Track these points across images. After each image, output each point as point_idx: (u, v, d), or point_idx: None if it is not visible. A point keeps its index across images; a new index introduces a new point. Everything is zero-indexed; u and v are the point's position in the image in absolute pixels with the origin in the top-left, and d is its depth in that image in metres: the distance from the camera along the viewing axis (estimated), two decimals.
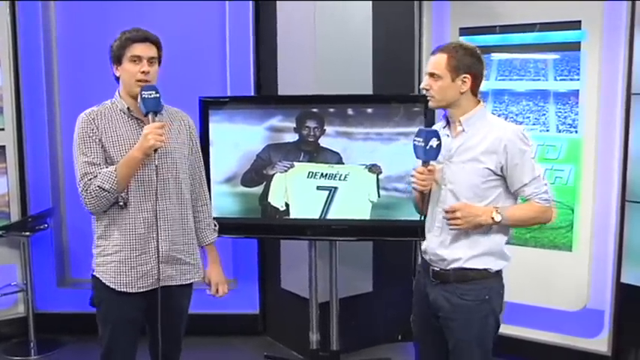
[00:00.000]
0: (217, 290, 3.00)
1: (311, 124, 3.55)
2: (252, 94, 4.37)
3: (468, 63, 2.57)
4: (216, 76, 4.44)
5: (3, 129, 4.44)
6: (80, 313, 4.34)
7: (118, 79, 2.76)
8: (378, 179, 3.52)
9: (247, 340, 4.52)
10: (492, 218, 2.55)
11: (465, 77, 2.56)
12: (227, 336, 4.51)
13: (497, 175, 2.58)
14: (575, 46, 3.83)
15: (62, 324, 4.53)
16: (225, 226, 3.32)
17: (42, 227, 4.38)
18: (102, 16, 4.32)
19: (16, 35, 4.40)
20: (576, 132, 3.87)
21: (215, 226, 3.01)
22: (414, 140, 2.58)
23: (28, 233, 4.33)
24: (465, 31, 4.08)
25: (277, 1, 4.10)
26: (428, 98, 2.65)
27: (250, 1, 4.36)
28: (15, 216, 4.49)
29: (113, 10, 4.27)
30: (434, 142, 2.53)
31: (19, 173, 4.49)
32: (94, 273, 2.78)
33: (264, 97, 4.27)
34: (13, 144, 4.46)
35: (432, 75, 2.59)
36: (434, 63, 2.59)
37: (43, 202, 4.50)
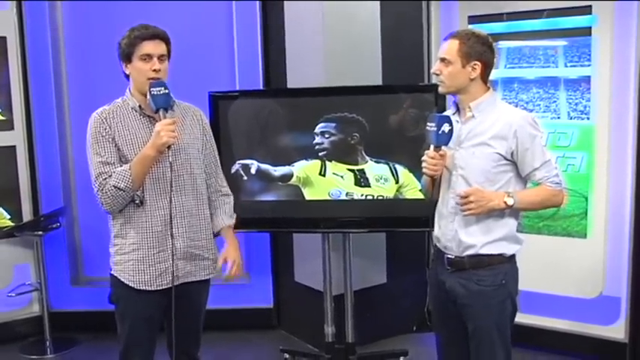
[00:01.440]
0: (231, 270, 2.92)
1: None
2: (261, 87, 4.38)
3: (480, 50, 2.61)
4: (224, 72, 4.47)
5: (13, 129, 4.46)
6: (95, 311, 4.44)
7: (127, 76, 2.78)
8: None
9: (262, 335, 4.55)
10: (505, 202, 2.58)
11: (475, 64, 2.61)
12: (241, 331, 4.55)
13: (508, 160, 2.62)
14: (586, 32, 3.83)
15: (77, 322, 4.58)
16: (239, 220, 3.36)
17: (54, 226, 4.42)
18: (109, 15, 4.35)
19: (23, 35, 4.44)
20: (588, 118, 3.87)
21: (233, 215, 3.01)
22: (427, 125, 2.63)
23: (40, 232, 4.36)
24: (474, 20, 4.08)
25: (285, 1, 4.12)
26: (438, 83, 2.70)
27: (257, 1, 4.38)
28: (27, 215, 4.53)
29: (120, 9, 4.30)
30: (446, 127, 2.59)
31: (29, 172, 4.53)
32: (112, 272, 2.81)
33: (275, 90, 4.28)
34: (23, 143, 4.50)
35: (442, 60, 2.64)
36: (446, 49, 2.64)
37: (54, 201, 4.54)
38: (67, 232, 4.59)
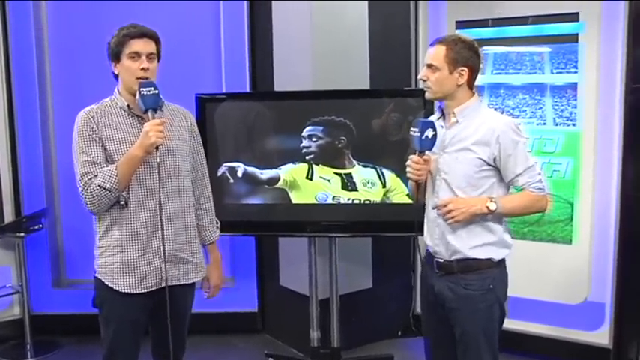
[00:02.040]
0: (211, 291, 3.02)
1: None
2: (248, 90, 4.38)
3: (466, 56, 2.63)
4: (211, 73, 4.46)
5: None
6: (77, 314, 4.42)
7: (116, 76, 2.76)
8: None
9: (247, 339, 4.54)
10: (487, 207, 2.61)
11: (462, 70, 2.63)
12: (226, 334, 4.54)
13: (490, 165, 2.63)
14: (573, 39, 3.87)
15: (59, 325, 4.55)
16: (224, 223, 3.34)
17: (37, 228, 4.38)
18: (94, 15, 4.33)
19: (7, 35, 4.40)
20: (574, 125, 3.90)
21: (217, 224, 3.02)
22: (411, 130, 2.65)
23: (22, 234, 4.34)
24: (461, 25, 4.11)
25: (273, 1, 4.12)
26: (425, 89, 2.71)
27: (245, 1, 4.38)
28: (9, 216, 4.49)
29: (106, 9, 4.28)
30: (429, 133, 2.61)
31: (12, 173, 4.49)
32: (96, 274, 2.78)
33: (262, 92, 4.29)
34: (5, 143, 4.47)
35: (430, 66, 2.65)
36: (432, 54, 2.65)
37: (37, 202, 4.51)
38: (49, 233, 4.56)
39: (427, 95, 2.72)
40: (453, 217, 2.61)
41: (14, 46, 4.41)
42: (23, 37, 4.40)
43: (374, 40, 4.08)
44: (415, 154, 2.66)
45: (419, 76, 2.73)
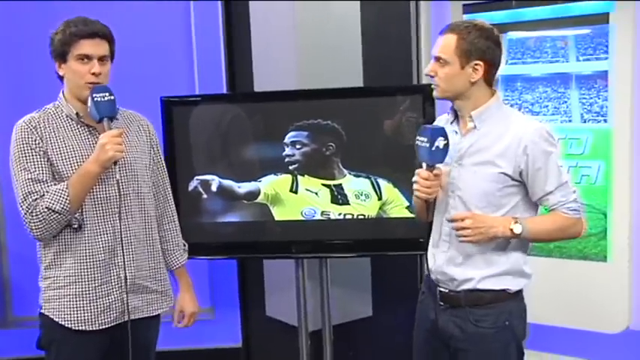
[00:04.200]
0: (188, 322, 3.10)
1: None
2: (225, 92, 4.44)
3: (482, 47, 2.56)
4: (182, 74, 4.51)
5: None
6: (25, 359, 4.44)
7: (61, 78, 2.81)
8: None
9: None
10: (511, 230, 2.55)
11: (476, 64, 2.57)
12: None
13: (516, 180, 2.59)
14: (603, 19, 3.85)
15: None
16: (199, 246, 3.46)
17: None
18: (44, 10, 4.30)
19: None
20: (605, 121, 3.89)
21: (185, 246, 3.12)
22: (417, 140, 2.59)
23: None
24: (469, 9, 4.10)
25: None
26: (432, 87, 2.67)
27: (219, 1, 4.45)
28: None
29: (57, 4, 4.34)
30: (440, 142, 2.54)
31: None
32: (42, 310, 2.83)
33: (238, 94, 4.36)
34: None
35: (437, 59, 2.60)
36: (441, 45, 2.59)
37: None
38: None
39: (435, 94, 2.66)
40: (466, 236, 2.56)
41: None
42: None
43: (367, 31, 4.11)
44: (423, 167, 2.62)
45: (425, 71, 2.68)
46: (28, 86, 4.27)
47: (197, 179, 3.73)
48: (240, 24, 4.32)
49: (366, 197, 3.63)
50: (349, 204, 3.64)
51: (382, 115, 3.62)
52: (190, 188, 3.72)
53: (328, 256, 3.81)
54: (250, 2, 4.18)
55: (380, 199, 3.62)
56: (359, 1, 4.09)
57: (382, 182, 3.62)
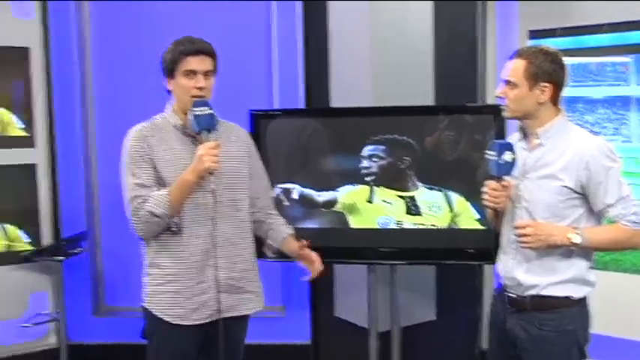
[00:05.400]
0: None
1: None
2: (302, 106, 4.44)
3: (549, 70, 2.61)
4: (262, 88, 4.54)
5: (33, 146, 4.54)
6: (117, 344, 4.52)
7: (169, 92, 2.87)
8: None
9: None
10: (569, 239, 2.57)
11: (544, 86, 2.61)
12: None
13: (578, 193, 2.61)
14: None
15: (98, 355, 4.66)
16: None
17: (76, 251, 4.49)
18: (139, 25, 4.48)
19: (47, 46, 4.54)
20: None
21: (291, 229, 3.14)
22: (487, 153, 2.67)
23: (61, 258, 4.41)
24: (535, 34, 4.10)
25: (329, 1, 4.18)
26: (501, 107, 2.73)
27: (298, 1, 4.44)
28: (47, 239, 4.62)
29: (151, 19, 4.43)
30: (508, 156, 2.62)
31: (51, 193, 4.62)
32: (145, 304, 2.89)
33: (319, 109, 4.30)
34: (44, 162, 4.59)
35: (507, 82, 2.65)
36: (510, 69, 2.65)
37: (76, 224, 4.64)
38: (89, 258, 4.69)
39: (504, 114, 2.72)
40: (527, 243, 2.59)
41: (55, 57, 4.54)
42: (64, 47, 4.54)
43: (439, 52, 4.10)
44: (492, 178, 2.66)
45: (495, 93, 2.73)
46: (135, 96, 4.33)
47: (279, 187, 3.74)
48: (319, 41, 4.31)
49: (438, 209, 3.62)
50: (422, 215, 3.64)
51: (454, 131, 3.60)
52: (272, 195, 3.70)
53: (400, 263, 3.78)
54: (330, 22, 4.20)
55: (451, 211, 3.61)
56: (431, 19, 4.08)
57: (453, 195, 3.61)
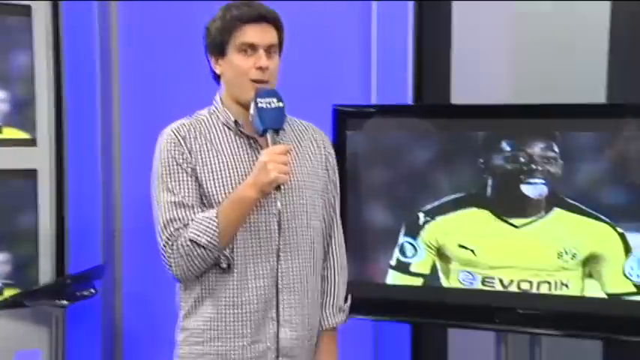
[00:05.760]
0: None
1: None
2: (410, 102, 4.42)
3: None
4: (355, 78, 4.53)
5: (34, 141, 4.54)
6: None
7: (218, 78, 2.87)
8: None
9: None
10: None
11: None
12: None
13: None
14: None
15: None
16: (363, 302, 3.40)
17: (86, 293, 4.48)
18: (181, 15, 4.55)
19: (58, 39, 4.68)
20: None
21: (346, 302, 3.07)
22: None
23: (64, 302, 4.42)
24: None
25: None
26: None
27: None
28: (45, 275, 4.58)
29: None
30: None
31: (55, 214, 4.61)
32: None
33: (431, 106, 4.31)
34: (48, 167, 4.59)
35: None
36: None
37: (89, 256, 4.66)
38: (103, 302, 4.69)
39: None
40: None
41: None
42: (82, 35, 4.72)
43: (615, 35, 4.06)
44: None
45: None
46: (169, 93, 4.46)
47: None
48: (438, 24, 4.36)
49: None
50: None
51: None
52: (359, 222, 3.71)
53: (543, 333, 3.66)
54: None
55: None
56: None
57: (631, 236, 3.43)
